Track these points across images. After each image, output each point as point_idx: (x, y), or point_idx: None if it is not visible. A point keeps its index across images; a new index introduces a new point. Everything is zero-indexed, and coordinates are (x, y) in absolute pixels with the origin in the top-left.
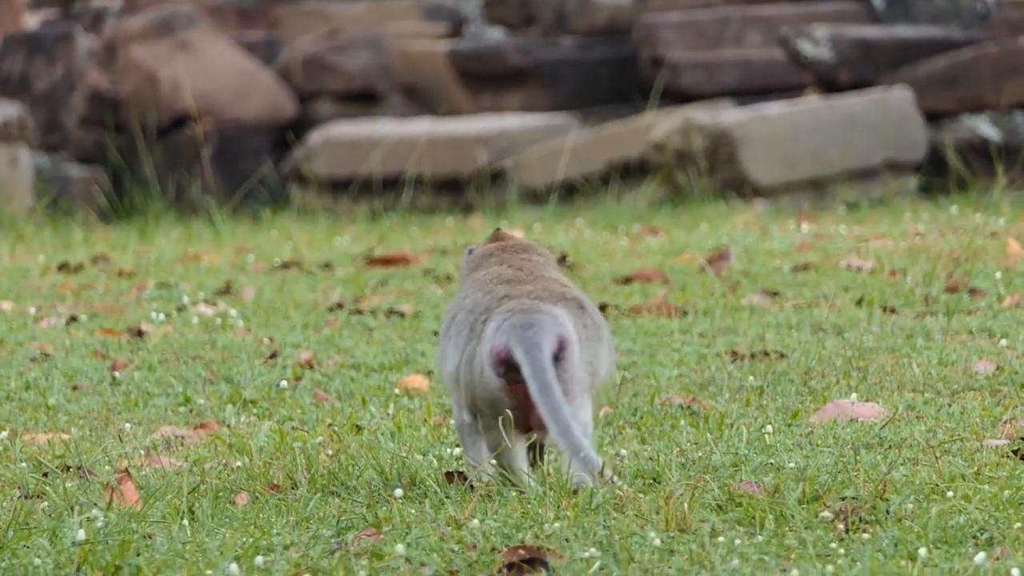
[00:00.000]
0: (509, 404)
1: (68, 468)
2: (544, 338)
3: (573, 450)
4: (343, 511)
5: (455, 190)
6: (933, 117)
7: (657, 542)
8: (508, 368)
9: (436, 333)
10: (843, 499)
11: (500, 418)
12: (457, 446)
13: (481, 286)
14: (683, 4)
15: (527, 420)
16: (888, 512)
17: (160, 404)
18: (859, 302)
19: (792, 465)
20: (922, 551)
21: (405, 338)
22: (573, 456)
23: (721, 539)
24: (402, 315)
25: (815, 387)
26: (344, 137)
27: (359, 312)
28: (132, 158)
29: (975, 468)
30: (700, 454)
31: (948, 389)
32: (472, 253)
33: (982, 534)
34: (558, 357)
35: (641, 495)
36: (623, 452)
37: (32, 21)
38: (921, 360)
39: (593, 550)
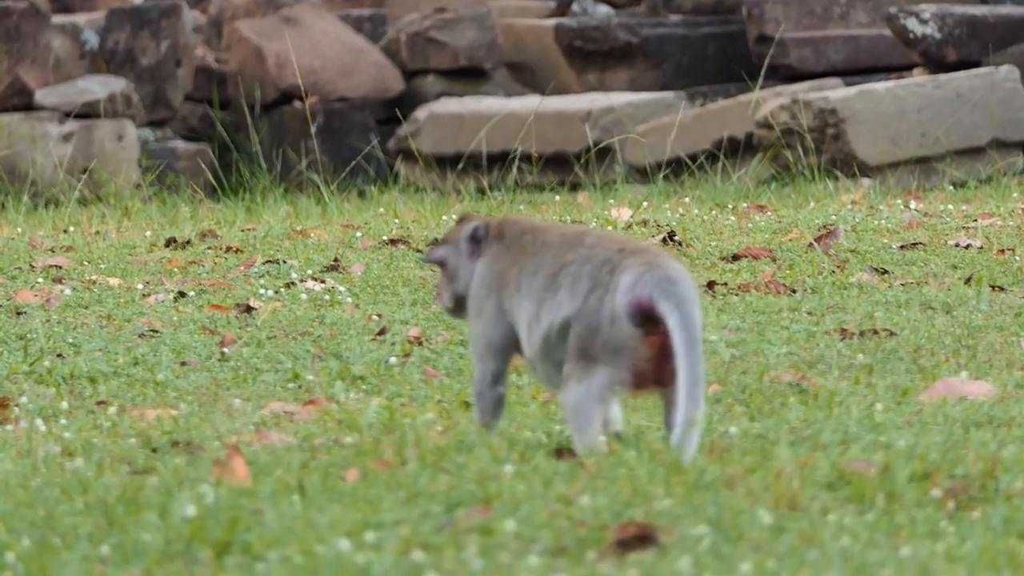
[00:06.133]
0: (641, 355)
1: (177, 444)
2: (692, 295)
3: (695, 407)
4: (453, 487)
5: (562, 167)
6: None
7: (767, 520)
8: (645, 320)
9: None
10: (953, 477)
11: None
12: (564, 422)
13: (573, 242)
14: None
15: (655, 373)
16: (997, 490)
17: (269, 380)
18: (968, 280)
19: (902, 443)
20: None
21: None
22: (692, 410)
23: (831, 517)
24: None
25: (924, 365)
26: (450, 114)
27: None
28: (238, 134)
29: None
30: (809, 432)
31: None
32: (489, 226)
33: None
34: None
35: (751, 472)
36: (732, 429)
37: None
38: None
39: (703, 527)
